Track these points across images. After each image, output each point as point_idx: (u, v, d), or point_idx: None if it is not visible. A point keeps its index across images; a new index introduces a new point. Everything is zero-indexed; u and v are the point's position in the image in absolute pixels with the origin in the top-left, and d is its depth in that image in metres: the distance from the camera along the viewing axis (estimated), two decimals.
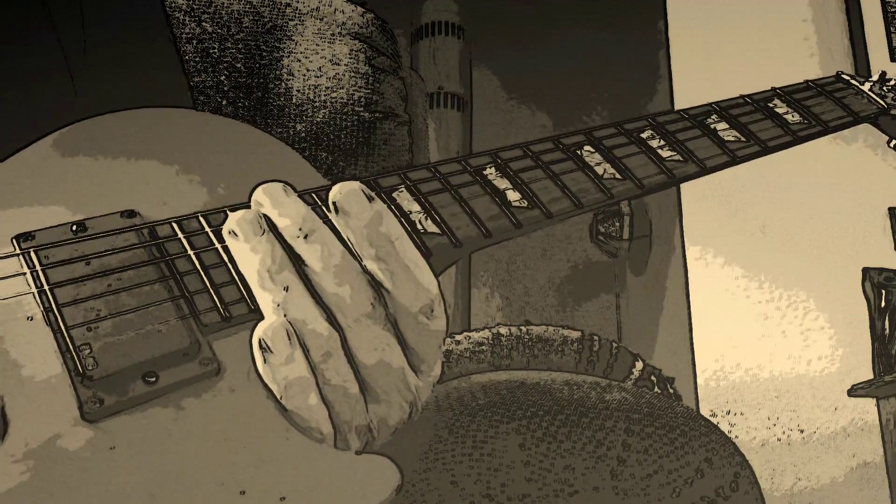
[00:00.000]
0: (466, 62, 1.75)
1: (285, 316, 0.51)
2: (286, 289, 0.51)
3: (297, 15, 0.91)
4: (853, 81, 0.79)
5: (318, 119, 0.88)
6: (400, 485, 0.50)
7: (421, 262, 0.53)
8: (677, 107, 1.63)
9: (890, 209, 1.53)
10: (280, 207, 0.53)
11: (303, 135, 0.87)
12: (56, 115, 0.62)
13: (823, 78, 0.79)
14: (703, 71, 1.65)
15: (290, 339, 0.50)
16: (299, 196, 0.55)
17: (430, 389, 0.55)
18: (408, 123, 0.95)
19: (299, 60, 0.89)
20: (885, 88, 0.80)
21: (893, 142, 0.82)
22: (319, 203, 0.57)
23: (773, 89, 0.76)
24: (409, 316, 0.52)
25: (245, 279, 0.53)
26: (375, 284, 0.52)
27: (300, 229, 0.52)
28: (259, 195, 0.54)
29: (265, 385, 0.50)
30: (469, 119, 1.71)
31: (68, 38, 0.72)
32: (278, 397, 0.50)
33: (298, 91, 0.88)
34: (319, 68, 0.90)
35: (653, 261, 1.62)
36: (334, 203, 0.53)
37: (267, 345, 0.50)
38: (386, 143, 0.91)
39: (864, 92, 0.79)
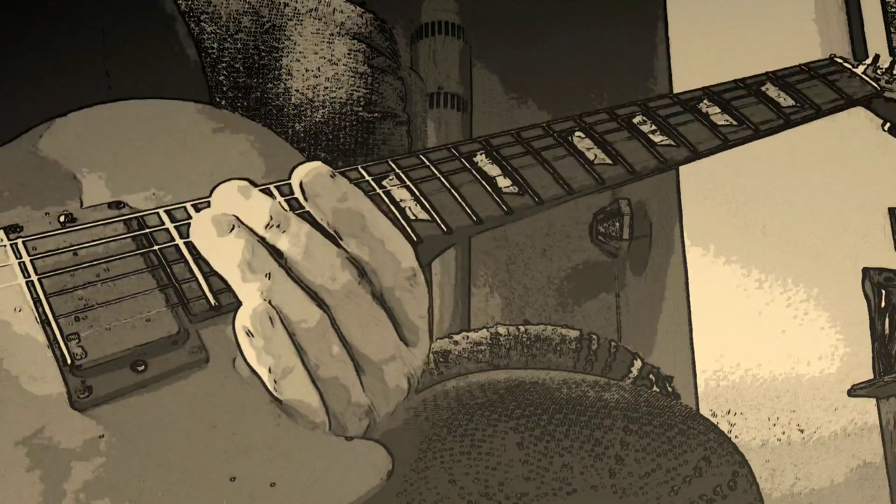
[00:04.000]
0: (466, 62, 1.75)
1: (270, 302, 0.50)
2: (268, 275, 0.51)
3: (296, 15, 0.91)
4: (846, 64, 0.79)
5: (317, 119, 0.88)
6: (391, 470, 0.50)
7: (394, 233, 0.53)
8: None
9: (890, 209, 1.53)
10: (245, 203, 0.53)
11: (301, 134, 0.88)
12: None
13: (817, 61, 0.78)
14: (703, 70, 1.65)
15: (272, 322, 0.49)
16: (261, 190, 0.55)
17: (422, 361, 0.54)
18: (407, 123, 0.95)
19: (298, 60, 0.89)
20: (878, 71, 0.79)
21: (887, 125, 0.82)
22: (280, 195, 0.57)
23: (766, 73, 0.76)
24: (393, 287, 0.52)
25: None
26: (356, 262, 0.52)
27: (270, 219, 0.52)
28: (219, 196, 0.53)
29: (255, 374, 0.50)
30: (469, 119, 1.71)
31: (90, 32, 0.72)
32: (267, 384, 0.50)
33: (297, 91, 0.88)
34: (318, 68, 0.90)
35: (653, 261, 1.62)
36: (301, 186, 0.53)
37: (249, 329, 0.50)
38: (385, 142, 0.91)
39: (858, 75, 0.78)
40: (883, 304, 1.44)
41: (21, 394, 0.48)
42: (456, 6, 1.76)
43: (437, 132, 1.65)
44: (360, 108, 0.90)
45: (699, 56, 1.66)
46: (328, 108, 0.89)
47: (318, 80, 0.89)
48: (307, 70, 0.89)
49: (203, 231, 0.52)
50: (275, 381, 0.50)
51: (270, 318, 0.49)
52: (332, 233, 0.53)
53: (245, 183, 0.54)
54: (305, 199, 0.53)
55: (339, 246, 0.53)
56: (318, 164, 0.54)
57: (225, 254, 0.51)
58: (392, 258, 0.52)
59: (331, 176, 0.53)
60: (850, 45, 1.67)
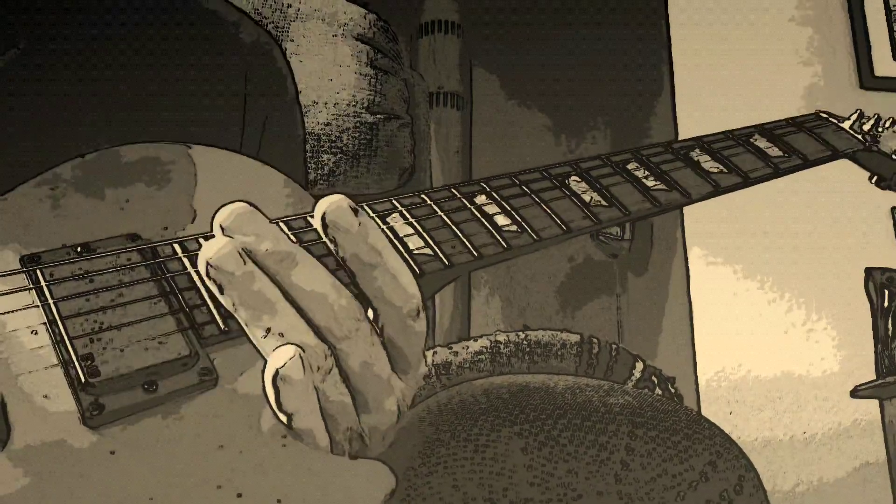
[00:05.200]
0: (466, 61, 1.74)
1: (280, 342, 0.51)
2: (282, 311, 0.51)
3: (299, 16, 0.91)
4: (832, 119, 0.83)
5: (321, 120, 0.88)
6: (394, 489, 0.51)
7: (405, 269, 0.54)
8: (678, 104, 1.63)
9: (892, 209, 1.53)
10: (255, 233, 0.52)
11: (305, 136, 0.87)
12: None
13: (803, 116, 0.82)
14: (704, 69, 1.65)
15: (304, 370, 0.50)
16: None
17: (414, 390, 0.56)
18: (410, 125, 0.95)
19: (301, 62, 0.89)
20: (863, 126, 0.82)
21: (875, 178, 0.85)
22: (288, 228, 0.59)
23: (755, 126, 0.80)
24: (398, 320, 0.54)
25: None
26: (362, 296, 0.53)
27: (281, 252, 0.52)
28: (228, 222, 0.53)
29: (275, 413, 0.51)
30: (469, 118, 1.71)
31: None
32: (286, 422, 0.51)
33: (300, 92, 0.88)
34: (321, 70, 0.90)
35: (654, 261, 1.62)
36: (324, 220, 0.53)
37: (284, 377, 0.50)
38: (388, 144, 0.91)
39: (843, 129, 0.82)
40: (886, 305, 1.43)
41: (35, 411, 0.49)
42: (455, 5, 1.75)
43: (438, 131, 1.65)
44: (364, 110, 0.90)
45: (700, 56, 1.66)
46: (332, 109, 0.89)
47: (321, 82, 0.89)
48: (310, 71, 0.89)
49: (216, 267, 0.52)
50: (295, 419, 0.51)
51: (303, 364, 0.50)
52: (347, 267, 0.54)
53: (248, 208, 0.53)
54: (326, 232, 0.54)
55: (345, 281, 0.54)
56: (340, 196, 0.54)
57: (237, 292, 0.51)
58: (404, 293, 0.54)
59: (352, 209, 0.54)
60: (852, 47, 1.67)
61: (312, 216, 0.58)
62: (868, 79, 1.64)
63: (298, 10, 0.91)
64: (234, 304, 0.52)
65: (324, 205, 0.53)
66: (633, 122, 1.67)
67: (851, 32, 1.67)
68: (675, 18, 1.70)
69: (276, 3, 0.91)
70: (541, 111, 1.68)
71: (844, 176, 1.52)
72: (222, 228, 0.53)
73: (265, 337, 0.51)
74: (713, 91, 1.60)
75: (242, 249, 0.52)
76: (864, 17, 1.66)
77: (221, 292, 0.52)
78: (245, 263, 0.52)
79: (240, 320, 0.52)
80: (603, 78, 1.66)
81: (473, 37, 1.75)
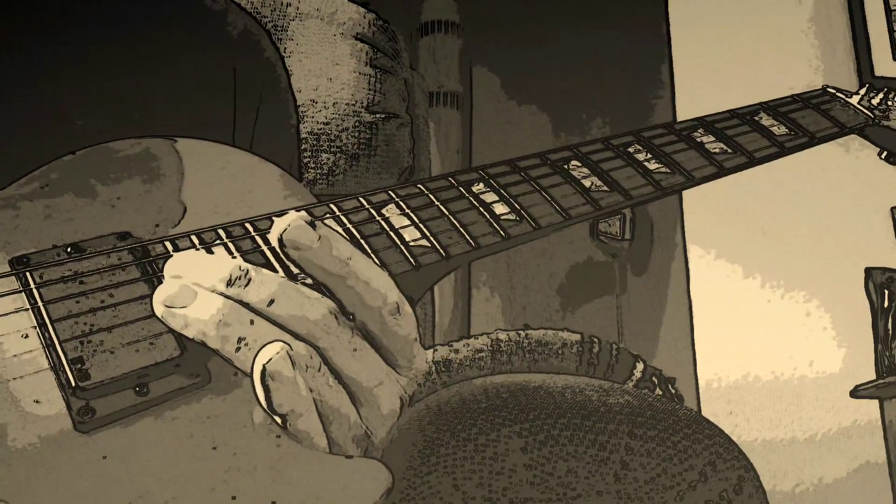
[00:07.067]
0: (466, 61, 1.74)
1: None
2: (252, 322, 0.51)
3: (299, 15, 0.91)
4: (839, 94, 0.81)
5: (320, 119, 0.88)
6: (390, 487, 0.51)
7: (376, 271, 0.54)
8: (679, 104, 1.63)
9: (893, 209, 1.53)
10: (202, 268, 0.53)
11: (304, 135, 0.87)
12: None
13: (809, 91, 0.81)
14: (704, 69, 1.65)
15: (293, 365, 0.50)
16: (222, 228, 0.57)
17: (414, 384, 0.56)
18: (409, 125, 0.95)
19: (300, 61, 0.89)
20: (871, 102, 0.81)
21: (885, 153, 0.84)
22: (253, 232, 0.58)
23: (760, 103, 0.78)
24: (379, 321, 0.54)
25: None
26: (333, 298, 0.54)
27: (230, 276, 0.52)
28: (173, 268, 0.54)
29: (271, 416, 0.51)
30: (469, 118, 1.71)
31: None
32: (281, 423, 0.51)
33: (300, 91, 0.88)
34: (321, 69, 0.90)
35: (654, 261, 1.62)
36: (281, 240, 0.53)
37: (272, 374, 0.50)
38: (388, 144, 0.91)
39: (851, 104, 0.81)
40: (886, 305, 1.43)
41: (25, 416, 0.49)
42: (455, 5, 1.75)
43: (437, 131, 1.64)
44: (363, 110, 0.90)
45: (700, 56, 1.66)
46: (331, 108, 0.89)
47: (320, 81, 0.89)
48: (309, 70, 0.89)
49: (168, 307, 0.52)
50: (290, 419, 0.51)
51: (292, 360, 0.50)
52: (316, 281, 0.54)
53: (191, 252, 0.55)
54: (285, 252, 0.53)
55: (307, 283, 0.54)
56: (295, 214, 0.54)
57: (199, 319, 0.51)
58: (378, 296, 0.53)
59: (309, 224, 0.53)
60: (852, 47, 1.67)
61: (253, 222, 0.59)
62: (868, 79, 1.64)
63: (298, 9, 0.91)
64: (203, 334, 0.52)
65: (280, 225, 0.53)
66: (633, 122, 1.67)
67: (851, 32, 1.67)
68: (675, 18, 1.70)
69: (275, 2, 0.91)
70: (541, 111, 1.68)
71: (845, 175, 1.52)
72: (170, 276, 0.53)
73: (238, 350, 0.51)
74: (713, 91, 1.59)
75: (195, 284, 0.52)
76: (864, 17, 1.66)
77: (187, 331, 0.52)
78: (195, 294, 0.52)
79: (210, 346, 0.52)
80: (603, 78, 1.66)
81: (473, 37, 1.75)
